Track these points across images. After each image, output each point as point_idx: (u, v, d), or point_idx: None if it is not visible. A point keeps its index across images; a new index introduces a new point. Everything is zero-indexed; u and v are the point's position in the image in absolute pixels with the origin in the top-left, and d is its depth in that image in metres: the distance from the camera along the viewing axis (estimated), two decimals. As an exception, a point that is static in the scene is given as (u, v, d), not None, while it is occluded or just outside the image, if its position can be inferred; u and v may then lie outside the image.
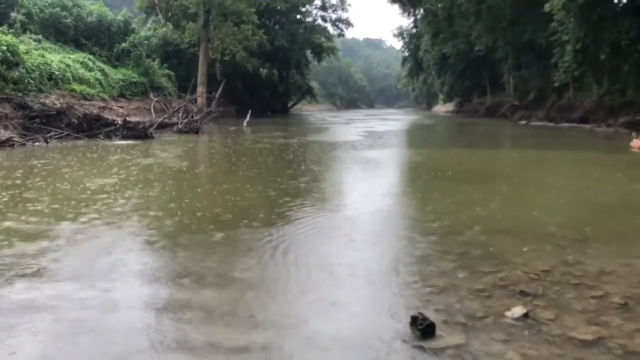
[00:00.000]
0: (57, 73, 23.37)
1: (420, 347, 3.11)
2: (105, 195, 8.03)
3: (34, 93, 20.75)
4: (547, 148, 17.94)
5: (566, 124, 29.10)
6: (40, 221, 6.29)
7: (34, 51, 23.74)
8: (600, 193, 8.45)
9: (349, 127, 31.12)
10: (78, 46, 31.89)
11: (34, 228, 5.95)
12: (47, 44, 28.13)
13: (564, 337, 3.23)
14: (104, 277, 4.32)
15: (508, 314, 3.56)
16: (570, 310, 3.65)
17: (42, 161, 12.31)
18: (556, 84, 30.70)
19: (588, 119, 27.97)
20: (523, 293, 3.97)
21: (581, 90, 30.96)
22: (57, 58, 25.22)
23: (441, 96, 67.81)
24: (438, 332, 3.27)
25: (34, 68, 21.67)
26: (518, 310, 3.57)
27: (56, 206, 7.27)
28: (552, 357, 3.00)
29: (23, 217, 6.45)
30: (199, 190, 9.36)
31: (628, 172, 11.05)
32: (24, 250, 5.03)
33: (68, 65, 25.17)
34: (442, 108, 67.70)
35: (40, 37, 28.30)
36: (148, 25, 44.61)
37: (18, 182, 9.40)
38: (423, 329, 3.26)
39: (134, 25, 39.08)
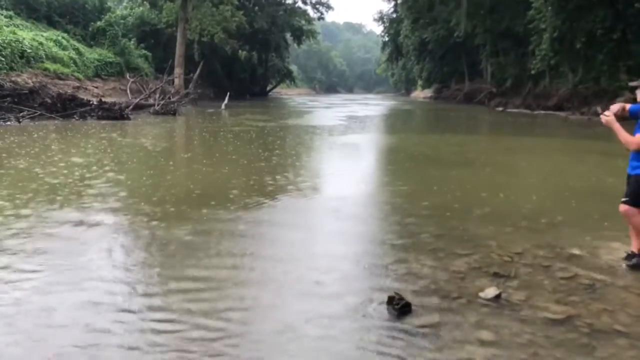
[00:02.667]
0: (29, 51, 22.78)
1: (397, 326, 3.18)
2: (77, 175, 7.91)
3: (5, 71, 20.22)
4: (523, 134, 18.25)
5: (542, 112, 29.61)
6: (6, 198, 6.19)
7: (4, 28, 23.07)
8: (573, 179, 8.65)
9: (329, 112, 31.09)
10: (51, 24, 31.05)
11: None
12: (18, 21, 27.31)
13: (534, 317, 3.34)
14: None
15: (481, 294, 3.65)
16: (541, 291, 3.77)
17: (14, 139, 12.04)
18: (533, 72, 31.10)
19: (563, 107, 28.49)
20: (496, 275, 4.07)
21: (557, 78, 31.45)
22: (29, 35, 24.55)
23: (420, 82, 68.12)
24: (413, 311, 3.35)
25: (4, 45, 21.10)
26: (491, 291, 3.67)
27: (23, 185, 7.15)
28: (523, 335, 3.10)
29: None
30: (175, 173, 9.28)
31: (599, 159, 11.32)
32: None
33: (41, 44, 24.52)
34: (421, 94, 68.05)
35: (11, 13, 27.47)
36: (124, 4, 43.63)
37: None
38: (399, 308, 3.33)
39: (109, 4, 38.16)
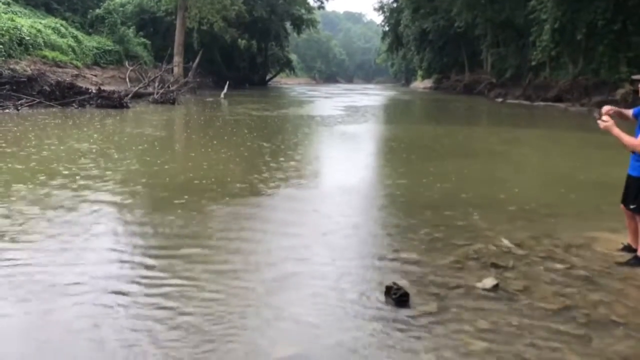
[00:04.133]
0: (27, 38, 22.63)
1: (395, 316, 3.20)
2: (77, 162, 7.91)
3: (3, 58, 20.10)
4: (522, 126, 18.23)
5: (541, 103, 29.52)
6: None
7: (2, 15, 22.89)
8: (571, 170, 8.67)
9: (329, 101, 31.00)
10: (49, 11, 30.82)
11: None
12: (16, 8, 27.09)
13: (531, 307, 3.37)
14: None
15: (479, 285, 3.68)
16: (539, 282, 3.79)
17: (12, 127, 12.01)
18: (533, 63, 30.99)
19: (563, 98, 28.40)
20: (494, 265, 4.09)
21: (557, 70, 31.33)
22: (27, 23, 24.37)
23: (420, 72, 67.78)
24: (412, 301, 3.37)
25: (3, 32, 20.95)
26: (489, 282, 3.69)
27: (23, 170, 7.15)
28: (520, 325, 3.12)
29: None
30: (173, 162, 9.27)
31: (597, 151, 11.32)
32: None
33: (39, 31, 24.35)
34: (421, 84, 67.75)
35: (9, 0, 27.24)
36: (123, -9, 43.22)
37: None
38: (397, 298, 3.35)
39: (108, -9, 37.85)
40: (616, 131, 4.10)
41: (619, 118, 4.28)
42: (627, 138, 4.10)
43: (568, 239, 4.75)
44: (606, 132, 4.15)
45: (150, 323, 3.03)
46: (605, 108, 4.23)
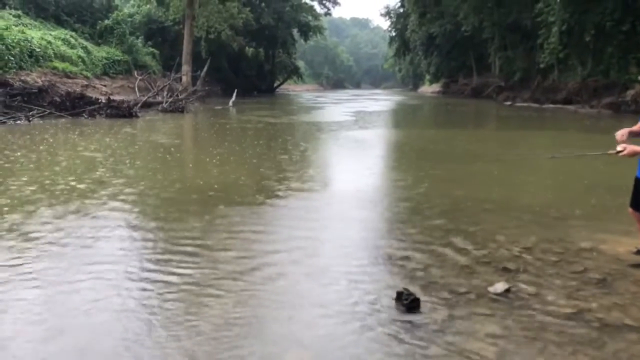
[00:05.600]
0: (38, 50, 22.92)
1: (406, 322, 3.19)
2: (90, 173, 7.98)
3: (14, 70, 20.36)
4: (532, 129, 18.13)
5: (551, 105, 29.36)
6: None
7: (13, 27, 23.19)
8: (581, 173, 8.61)
9: (337, 108, 31.04)
10: (59, 23, 31.20)
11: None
12: (27, 20, 27.46)
13: (544, 311, 3.33)
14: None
15: (491, 289, 3.65)
16: (551, 286, 3.76)
17: (26, 138, 12.14)
18: (541, 65, 30.87)
19: (572, 100, 28.24)
20: (506, 269, 4.07)
21: (566, 72, 31.17)
22: (37, 34, 24.69)
23: (428, 77, 67.78)
24: (422, 307, 3.36)
25: (14, 44, 21.22)
26: (500, 286, 3.66)
27: (44, 179, 7.22)
28: (533, 330, 3.09)
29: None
30: (184, 170, 9.32)
31: (609, 154, 11.22)
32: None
33: (49, 42, 24.67)
34: (429, 89, 67.69)
35: (20, 12, 27.62)
36: (131, 2, 43.73)
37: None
38: (408, 304, 3.34)
39: (117, 2, 38.31)
40: (637, 149, 3.88)
41: (634, 137, 4.10)
42: None
43: (580, 242, 4.71)
44: (631, 156, 3.93)
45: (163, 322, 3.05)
46: (618, 136, 4.03)
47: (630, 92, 24.26)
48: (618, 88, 25.42)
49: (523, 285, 3.74)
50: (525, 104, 31.75)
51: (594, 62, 27.96)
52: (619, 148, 3.96)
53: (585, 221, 5.50)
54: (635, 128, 4.19)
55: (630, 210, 4.34)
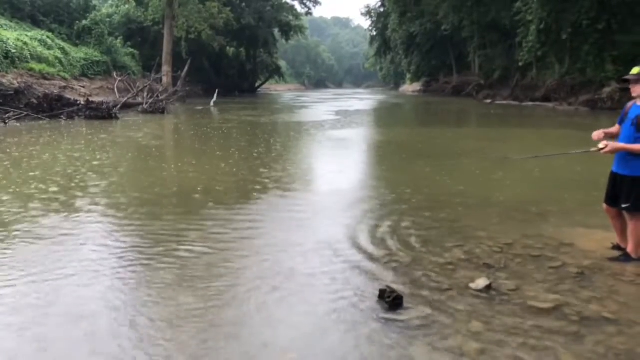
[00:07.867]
0: (14, 51, 22.53)
1: (388, 319, 3.20)
2: (67, 176, 7.86)
3: (-11, 72, 19.96)
4: (512, 126, 18.34)
5: (530, 103, 29.76)
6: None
7: (-12, 28, 22.75)
8: (560, 169, 8.72)
9: (321, 107, 31.04)
10: (35, 23, 30.70)
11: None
12: (2, 21, 26.97)
13: (524, 306, 3.38)
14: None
15: (472, 285, 3.69)
16: (531, 281, 3.81)
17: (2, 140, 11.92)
18: (520, 64, 31.22)
19: (550, 98, 28.67)
20: (487, 265, 4.11)
21: (544, 70, 31.59)
22: (13, 35, 24.27)
23: (408, 76, 68.00)
24: (405, 304, 3.38)
25: (-11, 46, 20.80)
26: (482, 282, 3.70)
27: (21, 183, 7.10)
28: (514, 325, 3.13)
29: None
30: (163, 171, 9.24)
31: (592, 152, 11.40)
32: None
33: (25, 44, 24.25)
34: (410, 88, 68.01)
35: (-6, 14, 27.14)
36: (110, 2, 43.20)
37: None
38: (391, 301, 3.35)
39: (95, 2, 37.80)
40: (619, 146, 4.03)
41: (609, 138, 4.21)
42: (636, 147, 3.95)
43: (559, 237, 4.78)
44: (613, 153, 4.07)
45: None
46: (594, 137, 4.19)
47: (607, 90, 24.70)
48: (595, 86, 25.86)
49: (504, 281, 3.79)
50: (505, 102, 32.13)
51: (571, 60, 28.39)
52: (600, 145, 4.07)
53: (564, 216, 5.58)
54: (612, 130, 4.31)
55: (604, 206, 4.40)
